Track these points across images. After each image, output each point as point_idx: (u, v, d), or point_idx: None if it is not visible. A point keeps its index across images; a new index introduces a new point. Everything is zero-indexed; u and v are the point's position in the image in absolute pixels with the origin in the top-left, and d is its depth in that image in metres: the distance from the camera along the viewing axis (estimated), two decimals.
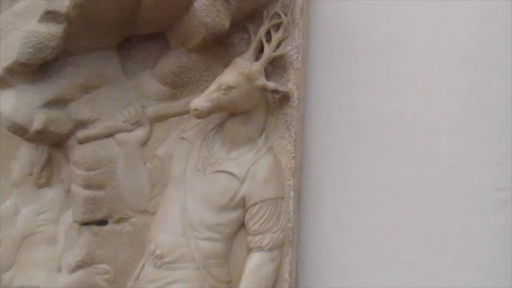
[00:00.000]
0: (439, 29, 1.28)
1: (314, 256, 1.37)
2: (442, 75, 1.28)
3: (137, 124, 1.33)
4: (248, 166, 1.27)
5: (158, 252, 1.29)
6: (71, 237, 1.34)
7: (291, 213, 1.29)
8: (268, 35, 1.27)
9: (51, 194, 1.46)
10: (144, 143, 1.36)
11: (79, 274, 1.32)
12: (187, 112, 1.30)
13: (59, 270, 1.34)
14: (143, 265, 1.35)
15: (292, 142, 1.28)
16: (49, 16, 1.16)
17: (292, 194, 1.29)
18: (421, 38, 1.30)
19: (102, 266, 1.35)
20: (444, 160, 1.28)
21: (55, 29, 1.17)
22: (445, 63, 1.28)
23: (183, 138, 1.34)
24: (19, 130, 1.25)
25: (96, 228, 1.35)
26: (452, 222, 1.27)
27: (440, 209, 1.27)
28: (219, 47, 1.30)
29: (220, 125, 1.32)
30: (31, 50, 1.16)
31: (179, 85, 1.34)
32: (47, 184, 1.46)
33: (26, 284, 1.40)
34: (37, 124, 1.24)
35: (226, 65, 1.27)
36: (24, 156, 1.45)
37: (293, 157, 1.28)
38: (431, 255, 1.29)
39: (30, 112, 1.23)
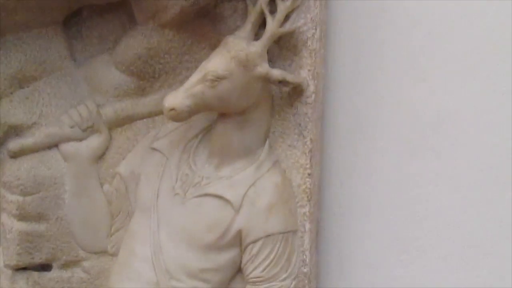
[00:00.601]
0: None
1: None
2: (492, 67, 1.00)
3: (91, 130, 1.03)
4: (245, 188, 0.96)
5: None
6: (2, 287, 1.06)
7: (307, 253, 0.98)
8: (273, 3, 0.95)
9: None
10: (100, 156, 1.06)
11: None
12: (161, 112, 1.00)
13: None
14: None
15: (307, 154, 0.98)
16: None
17: (308, 226, 0.98)
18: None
19: None
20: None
21: None
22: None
23: (154, 149, 1.03)
24: None
25: (36, 275, 1.07)
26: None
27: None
28: (203, 21, 1.01)
29: (206, 131, 1.02)
30: None
31: (149, 75, 1.05)
32: None
33: None
34: None
35: (213, 46, 0.98)
36: None
37: (309, 174, 0.98)
38: None
39: None
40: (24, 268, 1.06)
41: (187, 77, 0.97)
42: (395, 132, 1.06)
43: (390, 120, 1.06)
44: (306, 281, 1.00)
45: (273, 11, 0.96)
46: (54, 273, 1.07)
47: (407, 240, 1.02)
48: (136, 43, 1.02)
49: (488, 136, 1.02)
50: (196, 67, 0.97)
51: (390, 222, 1.03)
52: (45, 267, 1.07)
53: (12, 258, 1.04)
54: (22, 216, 1.03)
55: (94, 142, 1.04)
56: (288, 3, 0.96)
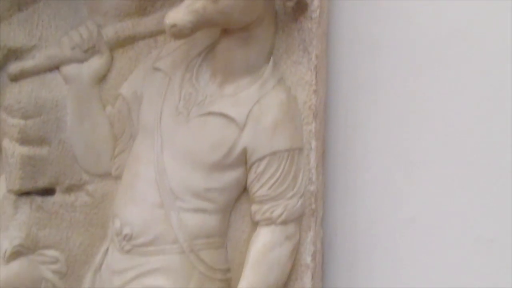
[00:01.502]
0: None
1: (347, 231, 1.03)
2: None
3: (92, 51, 1.00)
4: (250, 106, 0.94)
5: (126, 231, 0.97)
6: (5, 213, 1.03)
7: (313, 171, 0.95)
8: None
9: None
10: (102, 78, 1.03)
11: (18, 264, 1.00)
12: (163, 32, 0.97)
13: None
14: (106, 250, 1.03)
15: (313, 70, 0.94)
16: None
17: (314, 144, 0.95)
18: None
19: (49, 252, 1.03)
20: None
21: None
22: None
23: (157, 69, 1.00)
24: None
25: (39, 199, 1.03)
26: None
27: None
28: None
29: (210, 49, 0.99)
30: None
31: None
32: None
33: None
34: None
35: None
36: None
37: (315, 91, 0.94)
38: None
39: None
40: (27, 193, 1.03)
41: None
42: (403, 52, 1.02)
43: (396, 41, 1.02)
44: (313, 200, 0.97)
45: None
46: (57, 197, 1.04)
47: (414, 156, 1.00)
48: None
49: None
50: None
51: (397, 137, 1.00)
52: (48, 191, 1.04)
53: (15, 183, 1.01)
54: (24, 140, 1.00)
55: (95, 63, 1.01)
56: None
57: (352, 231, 1.03)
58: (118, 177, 1.05)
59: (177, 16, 0.89)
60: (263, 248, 0.95)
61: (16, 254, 1.01)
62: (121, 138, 1.05)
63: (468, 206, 0.98)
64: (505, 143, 0.97)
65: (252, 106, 0.95)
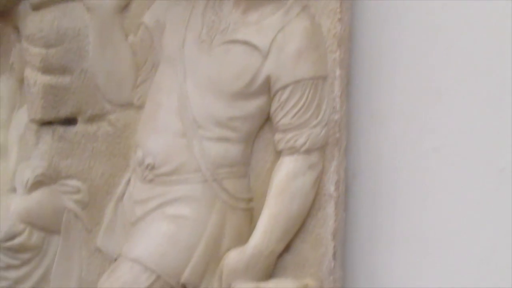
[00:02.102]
0: None
1: (370, 161, 1.04)
2: None
3: None
4: (274, 33, 0.94)
5: (148, 160, 0.99)
6: (27, 143, 1.08)
7: (337, 100, 0.95)
8: None
9: None
10: (124, 7, 1.04)
11: (40, 193, 1.04)
12: None
13: (13, 189, 1.07)
14: (128, 180, 1.06)
15: None
16: None
17: (338, 72, 0.95)
18: None
19: (71, 182, 1.06)
20: None
21: None
22: None
23: None
24: None
25: (61, 129, 1.06)
26: None
27: None
28: None
29: None
30: None
31: None
32: None
33: None
34: None
35: None
36: None
37: (339, 19, 0.94)
38: None
39: None
40: (49, 123, 1.05)
41: None
42: None
43: None
44: (337, 129, 0.97)
45: None
46: (79, 127, 1.07)
47: (440, 84, 0.99)
48: None
49: None
50: None
51: (422, 66, 0.99)
52: (70, 121, 1.07)
53: (37, 112, 1.04)
54: (46, 69, 1.02)
55: None
56: None
57: (375, 160, 1.03)
58: (140, 107, 1.07)
59: None
60: (286, 177, 0.96)
61: (38, 183, 1.04)
62: (144, 67, 1.06)
63: (493, 137, 0.98)
64: None
65: (276, 34, 0.95)
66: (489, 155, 0.98)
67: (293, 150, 0.97)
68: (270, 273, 0.99)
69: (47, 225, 1.06)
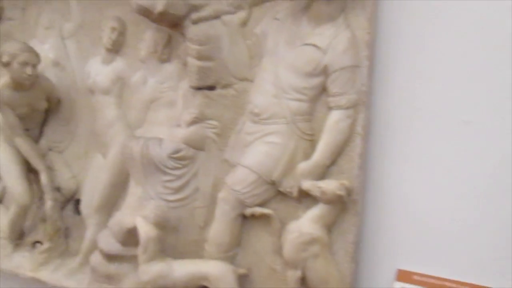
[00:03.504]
0: None
1: (383, 115, 1.67)
2: None
3: (239, 7, 1.69)
4: (330, 39, 1.59)
5: (256, 110, 1.68)
6: (187, 99, 1.77)
7: (365, 79, 1.60)
8: None
9: (171, 67, 1.88)
10: (245, 23, 1.72)
11: (194, 128, 1.76)
12: None
13: (178, 125, 1.78)
14: (244, 121, 1.74)
15: (368, 20, 1.57)
16: None
17: (366, 63, 1.59)
18: None
19: (211, 122, 1.76)
20: None
21: None
22: None
23: (276, 19, 1.68)
24: (146, 12, 1.67)
25: (207, 92, 1.75)
26: None
27: None
28: None
29: (307, 6, 1.64)
30: None
31: None
32: (168, 59, 1.88)
33: (154, 137, 1.83)
34: (159, 6, 1.65)
35: None
36: (149, 37, 1.87)
37: (368, 32, 1.58)
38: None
39: None
40: (200, 88, 1.73)
41: None
42: None
43: None
44: (364, 96, 1.61)
45: None
46: (217, 91, 1.74)
47: (436, 68, 1.59)
48: None
49: None
50: None
51: (419, 62, 1.59)
52: (212, 87, 1.74)
53: (193, 82, 1.74)
54: (199, 58, 1.70)
55: (241, 15, 1.70)
56: None
57: (386, 115, 1.67)
58: (252, 80, 1.73)
59: None
60: (334, 122, 1.62)
61: (193, 122, 1.77)
62: (254, 58, 1.72)
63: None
64: None
65: (331, 40, 1.60)
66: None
67: (338, 107, 1.62)
68: (322, 177, 1.66)
69: (197, 146, 1.78)
